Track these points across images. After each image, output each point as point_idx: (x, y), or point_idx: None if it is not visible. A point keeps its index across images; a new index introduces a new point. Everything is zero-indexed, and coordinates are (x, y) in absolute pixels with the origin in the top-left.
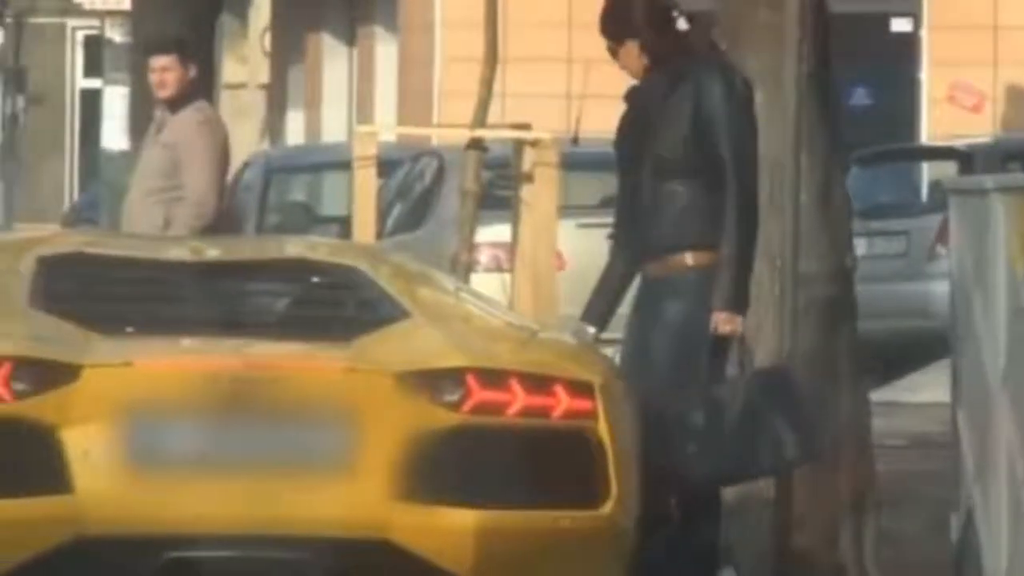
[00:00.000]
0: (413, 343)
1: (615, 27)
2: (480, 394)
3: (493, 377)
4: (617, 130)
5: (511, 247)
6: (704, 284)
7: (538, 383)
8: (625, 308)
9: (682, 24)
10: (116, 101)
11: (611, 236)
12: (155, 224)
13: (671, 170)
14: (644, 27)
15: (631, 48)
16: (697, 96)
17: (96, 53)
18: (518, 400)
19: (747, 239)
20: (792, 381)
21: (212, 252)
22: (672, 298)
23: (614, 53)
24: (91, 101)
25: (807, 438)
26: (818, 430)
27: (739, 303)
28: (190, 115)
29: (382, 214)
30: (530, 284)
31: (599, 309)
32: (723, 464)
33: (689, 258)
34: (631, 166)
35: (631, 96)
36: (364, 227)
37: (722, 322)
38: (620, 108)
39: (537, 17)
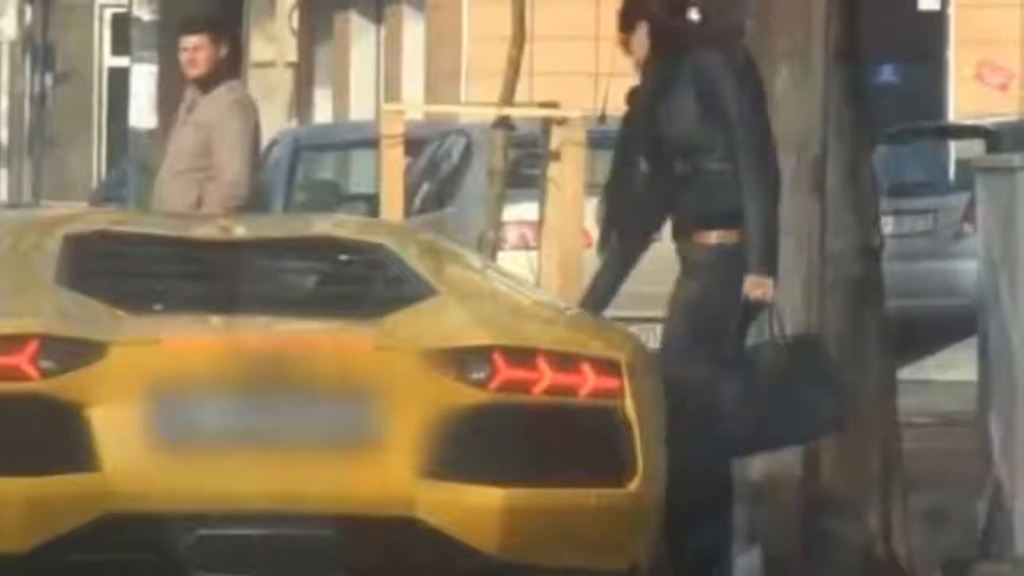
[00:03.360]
0: (440, 321)
1: (631, 10)
2: (507, 372)
3: (520, 355)
4: (624, 125)
5: (538, 225)
6: (729, 262)
7: (565, 361)
8: (642, 287)
9: (694, 15)
10: (144, 80)
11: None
12: (188, 203)
13: (691, 149)
14: (658, 9)
15: (640, 32)
16: (696, 78)
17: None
18: (545, 378)
19: (767, 204)
20: (822, 349)
21: (240, 230)
22: (695, 277)
23: (626, 46)
24: (119, 79)
25: (837, 406)
26: (848, 398)
27: (767, 267)
28: (222, 95)
29: (409, 192)
30: (557, 262)
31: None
32: (753, 433)
33: (714, 236)
34: (643, 152)
35: (632, 96)
36: (392, 205)
37: (752, 286)
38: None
39: None
